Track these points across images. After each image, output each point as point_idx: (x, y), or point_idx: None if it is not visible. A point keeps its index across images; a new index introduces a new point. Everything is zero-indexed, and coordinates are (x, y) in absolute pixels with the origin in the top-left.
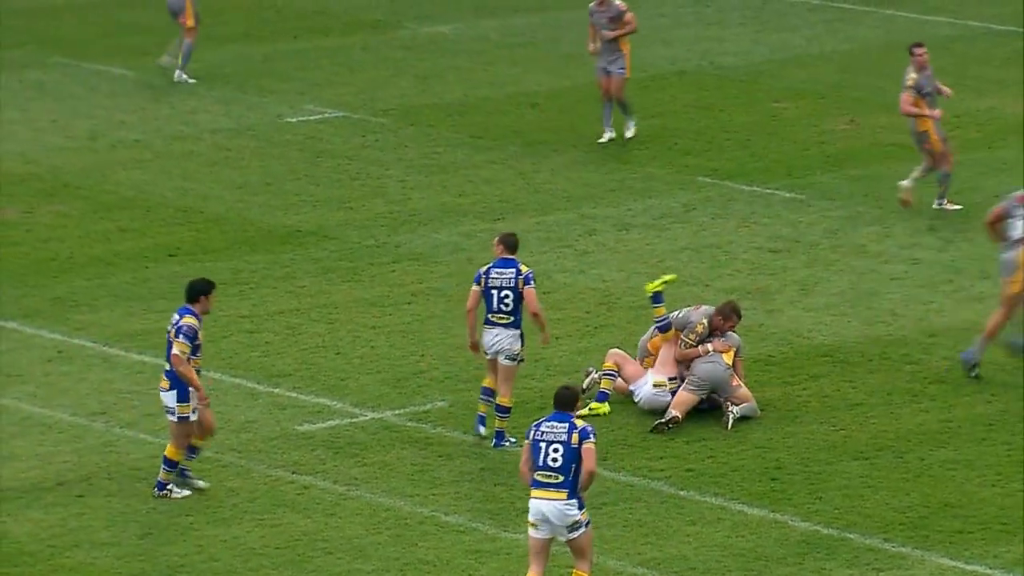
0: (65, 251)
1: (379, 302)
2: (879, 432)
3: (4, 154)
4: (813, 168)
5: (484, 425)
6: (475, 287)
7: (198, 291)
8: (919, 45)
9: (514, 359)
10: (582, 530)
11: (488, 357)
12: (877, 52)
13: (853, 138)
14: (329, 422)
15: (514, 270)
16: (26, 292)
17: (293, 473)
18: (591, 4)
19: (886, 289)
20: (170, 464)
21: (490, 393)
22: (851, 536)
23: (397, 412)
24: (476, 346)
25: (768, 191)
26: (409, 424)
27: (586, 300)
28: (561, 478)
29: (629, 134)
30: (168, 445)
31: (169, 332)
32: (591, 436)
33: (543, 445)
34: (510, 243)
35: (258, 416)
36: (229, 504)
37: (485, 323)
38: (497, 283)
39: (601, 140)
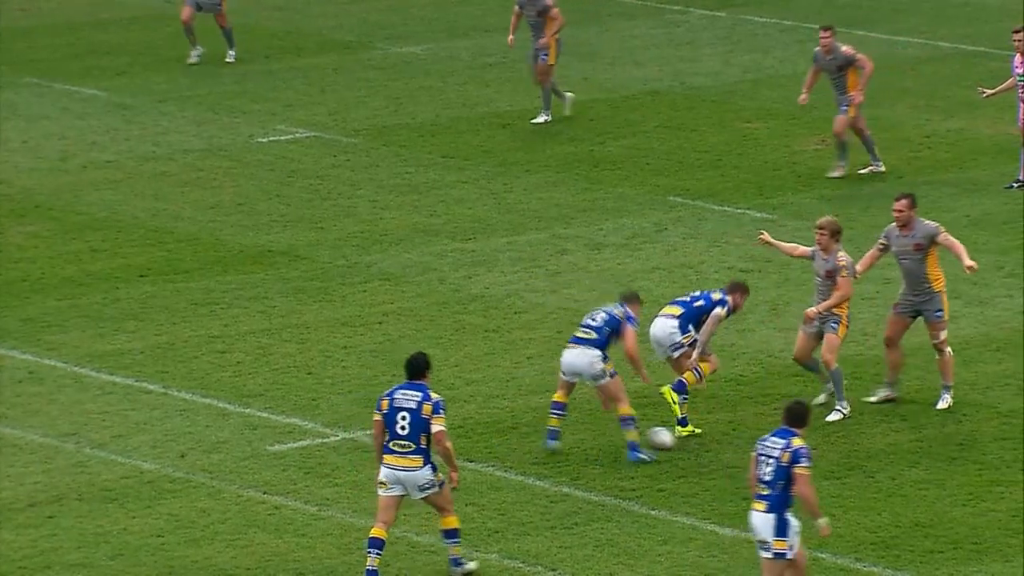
0: (36, 272)
1: (350, 322)
2: (850, 452)
3: None
4: (784, 188)
5: (554, 439)
6: None
7: (425, 366)
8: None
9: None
10: (770, 553)
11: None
12: None
13: (824, 158)
14: (300, 442)
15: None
16: None
17: (264, 493)
18: None
19: (857, 309)
20: (455, 534)
21: (561, 407)
22: (822, 556)
23: (368, 432)
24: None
25: (739, 211)
26: None
27: (557, 320)
28: (768, 491)
29: (566, 112)
30: (446, 516)
31: (415, 408)
32: (802, 459)
33: (761, 458)
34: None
35: (229, 436)
36: (200, 525)
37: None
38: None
39: (536, 121)
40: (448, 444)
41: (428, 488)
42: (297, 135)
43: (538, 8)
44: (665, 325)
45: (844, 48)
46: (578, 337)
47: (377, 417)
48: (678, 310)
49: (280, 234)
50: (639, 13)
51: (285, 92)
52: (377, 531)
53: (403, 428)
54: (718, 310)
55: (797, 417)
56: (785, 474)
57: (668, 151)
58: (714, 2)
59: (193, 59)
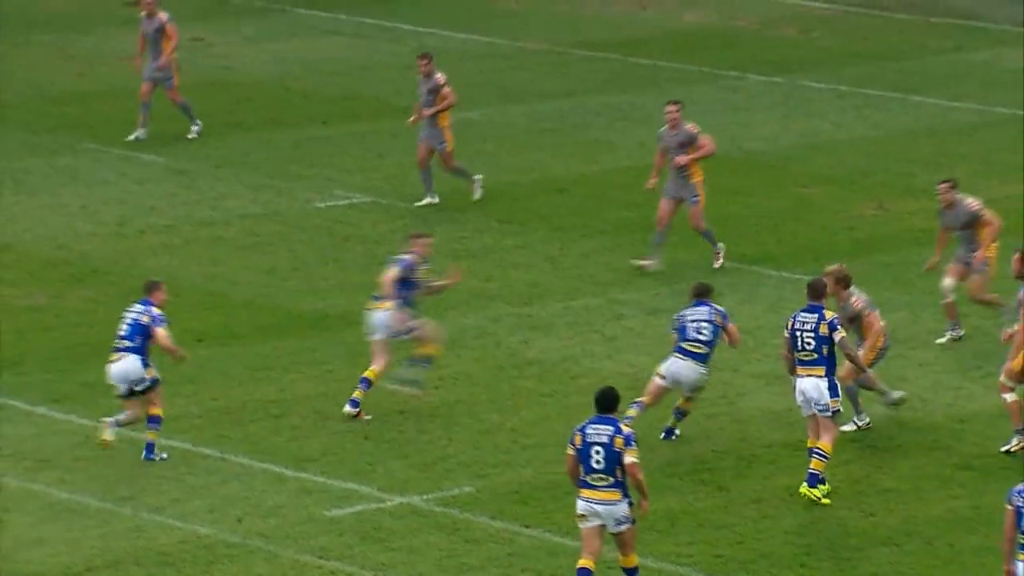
0: (95, 336)
1: None
2: (909, 518)
3: (35, 239)
4: (841, 253)
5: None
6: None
7: (615, 399)
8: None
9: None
10: None
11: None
12: (904, 138)
13: (881, 223)
14: (356, 507)
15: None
16: (56, 377)
17: (320, 558)
18: (419, 76)
19: (915, 375)
20: (636, 573)
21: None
22: None
23: (424, 497)
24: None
25: (796, 276)
26: (436, 509)
27: (614, 385)
28: None
29: (476, 196)
30: (627, 555)
31: (607, 443)
32: None
33: (1021, 511)
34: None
35: (286, 501)
36: None
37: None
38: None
39: (419, 203)
40: (641, 476)
41: (624, 523)
42: (354, 200)
43: (429, 87)
44: (819, 384)
45: (688, 125)
46: (687, 350)
47: (571, 452)
48: (820, 370)
49: (337, 298)
50: (696, 79)
51: (342, 157)
52: (585, 561)
53: (598, 463)
54: (838, 337)
55: None
56: None
57: (725, 216)
58: (771, 68)
59: (136, 136)
